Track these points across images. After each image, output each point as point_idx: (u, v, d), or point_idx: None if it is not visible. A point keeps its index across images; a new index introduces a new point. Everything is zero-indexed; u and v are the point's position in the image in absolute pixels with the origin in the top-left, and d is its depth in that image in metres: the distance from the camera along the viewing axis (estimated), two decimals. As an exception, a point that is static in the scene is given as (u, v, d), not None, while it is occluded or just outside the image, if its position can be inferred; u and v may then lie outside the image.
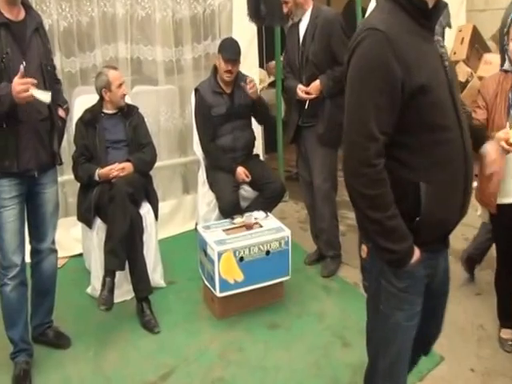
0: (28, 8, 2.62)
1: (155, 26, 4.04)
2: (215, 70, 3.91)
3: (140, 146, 3.57)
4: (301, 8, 3.47)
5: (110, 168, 3.35)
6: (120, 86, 3.44)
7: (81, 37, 3.79)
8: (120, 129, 3.52)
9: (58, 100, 2.78)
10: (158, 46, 4.08)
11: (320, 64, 3.45)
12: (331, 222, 3.71)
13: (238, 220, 3.42)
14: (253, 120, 4.00)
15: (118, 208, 3.14)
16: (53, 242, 2.85)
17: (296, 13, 3.48)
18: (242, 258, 3.12)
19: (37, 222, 2.76)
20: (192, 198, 4.52)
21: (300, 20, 3.49)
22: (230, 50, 3.78)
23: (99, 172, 3.34)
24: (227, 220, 3.47)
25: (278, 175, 4.04)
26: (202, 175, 4.10)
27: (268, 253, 3.18)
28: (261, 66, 5.06)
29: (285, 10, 3.48)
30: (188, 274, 3.70)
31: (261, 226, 3.35)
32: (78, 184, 3.47)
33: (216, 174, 3.87)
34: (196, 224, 4.28)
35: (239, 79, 3.90)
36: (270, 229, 3.29)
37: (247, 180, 3.84)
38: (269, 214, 3.53)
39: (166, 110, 4.26)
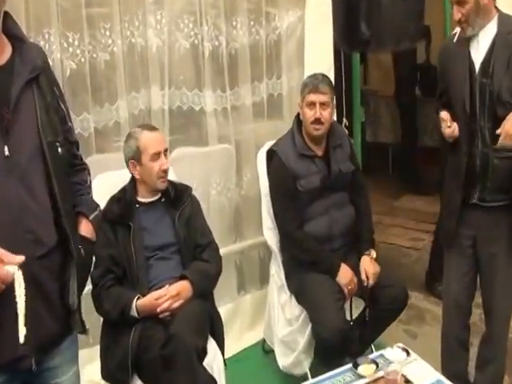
0: (18, 42, 1.38)
1: (203, 60, 2.77)
2: (298, 122, 2.64)
3: (197, 249, 2.28)
4: (482, 16, 2.13)
5: (156, 296, 2.05)
6: (157, 156, 2.19)
7: (96, 82, 2.51)
8: (166, 226, 2.24)
9: (81, 206, 1.51)
10: (208, 89, 2.80)
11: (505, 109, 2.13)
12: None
13: (367, 369, 2.09)
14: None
15: (182, 376, 1.83)
16: None
17: (474, 23, 2.14)
18: None
19: None
20: (251, 297, 3.20)
21: (473, 36, 2.18)
22: (316, 82, 2.55)
23: (139, 303, 2.04)
24: (345, 369, 2.13)
25: (398, 275, 2.71)
26: (276, 274, 2.79)
27: None
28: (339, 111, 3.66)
29: (457, 16, 2.14)
30: None
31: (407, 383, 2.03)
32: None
33: (307, 277, 2.56)
34: (264, 341, 2.97)
35: (336, 133, 2.64)
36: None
37: (354, 288, 2.55)
38: (410, 352, 2.20)
39: (220, 180, 2.97)
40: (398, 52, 4.93)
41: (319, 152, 2.62)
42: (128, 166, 2.27)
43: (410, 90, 5.24)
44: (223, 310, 2.97)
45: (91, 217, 1.55)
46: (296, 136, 2.60)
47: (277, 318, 2.76)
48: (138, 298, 2.05)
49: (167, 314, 2.05)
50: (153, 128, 2.30)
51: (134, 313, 2.03)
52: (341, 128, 2.73)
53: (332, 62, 3.20)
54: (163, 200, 2.31)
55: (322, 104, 2.53)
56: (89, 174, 1.66)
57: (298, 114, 2.66)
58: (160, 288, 2.10)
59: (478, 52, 2.19)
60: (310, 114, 2.54)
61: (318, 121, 2.53)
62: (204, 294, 2.20)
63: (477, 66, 2.19)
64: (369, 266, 2.56)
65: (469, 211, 2.26)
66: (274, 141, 2.89)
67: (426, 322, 3.29)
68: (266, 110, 3.08)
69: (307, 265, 2.57)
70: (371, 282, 2.51)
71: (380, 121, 5.77)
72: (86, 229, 1.53)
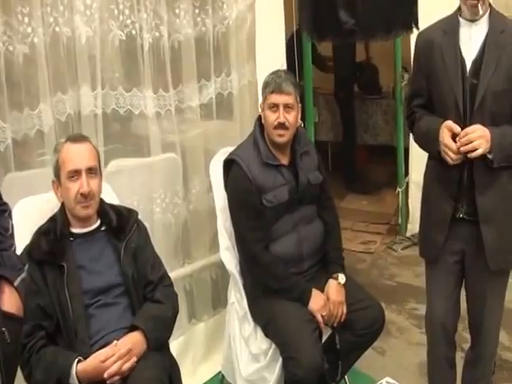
0: None
1: (143, 54, 2.32)
2: (260, 126, 2.27)
3: (148, 288, 1.86)
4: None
5: (101, 357, 1.61)
6: (75, 175, 1.77)
7: (14, 82, 1.99)
8: (109, 262, 1.80)
9: (1, 267, 1.09)
10: (149, 88, 2.35)
11: (499, 114, 1.92)
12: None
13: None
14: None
15: None
16: None
17: (485, 2, 1.89)
18: None
19: None
20: (204, 326, 2.80)
21: (466, 28, 1.94)
22: (279, 80, 2.18)
23: (80, 368, 1.60)
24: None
25: (371, 295, 2.41)
26: (237, 302, 2.41)
27: None
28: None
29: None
30: None
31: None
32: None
33: (275, 305, 2.20)
34: (223, 376, 2.59)
35: (302, 139, 2.30)
36: None
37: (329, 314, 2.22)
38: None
39: (165, 195, 2.53)
40: (338, 49, 4.70)
41: (284, 161, 2.27)
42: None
43: (349, 88, 5.05)
44: (173, 344, 2.55)
45: (16, 282, 1.11)
46: (260, 142, 2.23)
47: (239, 353, 2.38)
48: (78, 361, 1.60)
49: (117, 378, 1.62)
50: (78, 139, 1.84)
51: (74, 381, 1.58)
52: (306, 133, 2.39)
53: (284, 58, 2.87)
54: (103, 229, 1.86)
55: (287, 106, 2.18)
56: (10, 217, 1.21)
57: (260, 117, 2.29)
58: (106, 345, 1.66)
59: (470, 49, 1.94)
60: (272, 118, 2.18)
61: (282, 125, 2.17)
62: (160, 345, 1.78)
63: (468, 65, 1.93)
64: (333, 293, 2.24)
65: (457, 223, 2.03)
66: (228, 148, 2.52)
67: (392, 334, 3.08)
68: (216, 112, 2.68)
69: (275, 291, 2.22)
70: (338, 314, 2.21)
71: (319, 119, 5.52)
72: (9, 301, 1.09)
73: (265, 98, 2.21)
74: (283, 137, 2.19)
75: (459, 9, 1.99)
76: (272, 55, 2.79)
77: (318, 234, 2.33)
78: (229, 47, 2.66)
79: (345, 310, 2.24)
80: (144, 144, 2.42)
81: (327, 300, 2.22)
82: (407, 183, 4.00)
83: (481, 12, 1.90)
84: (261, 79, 2.75)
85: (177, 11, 2.40)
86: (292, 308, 2.19)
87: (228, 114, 2.73)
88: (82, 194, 1.75)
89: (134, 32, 2.25)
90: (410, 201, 3.98)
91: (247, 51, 2.73)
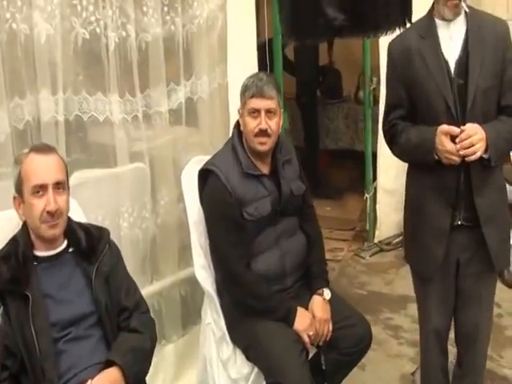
0: None
1: (108, 55, 2.11)
2: (239, 133, 2.12)
3: (122, 315, 1.67)
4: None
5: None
6: (41, 190, 1.56)
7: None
8: (79, 289, 1.60)
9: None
10: (114, 92, 2.15)
11: (490, 112, 1.88)
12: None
13: None
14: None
15: None
16: None
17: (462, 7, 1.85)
18: None
19: None
20: (174, 347, 2.61)
21: (445, 29, 1.88)
22: (260, 83, 2.03)
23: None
24: None
25: (357, 311, 2.29)
26: (214, 323, 2.24)
27: None
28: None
29: None
30: None
31: None
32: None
33: (257, 326, 2.05)
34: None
35: (283, 146, 2.16)
36: None
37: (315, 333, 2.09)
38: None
39: (132, 208, 2.32)
40: (300, 53, 4.60)
41: (265, 170, 2.12)
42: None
43: (311, 92, 4.96)
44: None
45: None
46: (239, 151, 2.08)
47: (217, 378, 2.21)
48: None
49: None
50: (43, 149, 1.62)
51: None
52: (288, 140, 2.25)
53: (256, 61, 2.73)
54: (71, 250, 1.65)
55: (269, 111, 2.03)
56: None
57: (238, 123, 2.13)
58: (79, 385, 1.46)
59: (452, 49, 1.87)
60: (253, 125, 2.03)
61: (263, 132, 2.03)
62: (140, 381, 1.60)
63: (452, 66, 1.87)
64: (319, 310, 2.11)
65: (455, 232, 1.96)
66: (201, 156, 2.36)
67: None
68: (185, 118, 2.50)
69: (257, 312, 2.06)
70: (324, 332, 2.09)
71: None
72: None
73: (244, 103, 2.05)
74: (265, 145, 2.04)
75: (431, 11, 1.92)
76: (244, 57, 2.64)
77: (300, 248, 2.20)
78: (199, 48, 2.48)
79: (330, 328, 2.12)
80: (110, 153, 2.21)
81: (313, 318, 2.10)
82: (375, 188, 3.93)
83: (462, 11, 1.85)
84: (232, 82, 2.62)
85: (144, 9, 2.20)
86: (276, 328, 2.04)
87: (197, 120, 2.56)
88: (48, 212, 1.54)
89: (98, 30, 2.04)
90: (378, 206, 3.92)
91: (218, 53, 2.56)
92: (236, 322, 2.15)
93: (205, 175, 2.10)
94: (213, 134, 2.60)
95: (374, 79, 3.61)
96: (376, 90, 3.64)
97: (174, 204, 2.53)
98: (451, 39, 1.88)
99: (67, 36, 1.98)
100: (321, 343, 2.11)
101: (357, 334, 2.13)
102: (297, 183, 2.19)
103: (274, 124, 2.04)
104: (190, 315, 2.69)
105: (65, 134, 2.04)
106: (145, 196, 2.38)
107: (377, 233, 3.98)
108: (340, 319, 2.14)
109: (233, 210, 2.03)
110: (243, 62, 2.63)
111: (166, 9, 2.30)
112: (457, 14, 1.86)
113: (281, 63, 2.92)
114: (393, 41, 2.08)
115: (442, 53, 1.88)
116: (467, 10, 1.88)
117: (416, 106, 1.96)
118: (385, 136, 2.11)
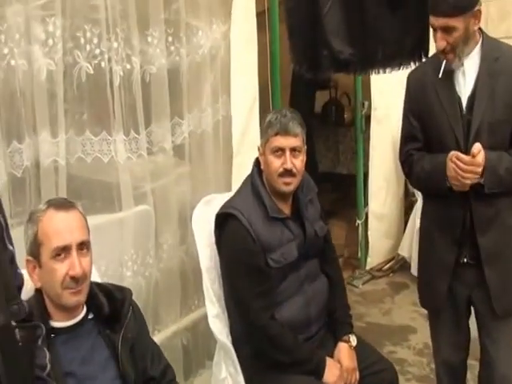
0: None
1: (112, 90, 1.92)
2: (259, 173, 1.96)
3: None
4: (469, 43, 1.78)
5: None
6: (63, 253, 1.38)
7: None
8: (101, 362, 1.40)
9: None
10: (119, 130, 1.95)
11: (497, 146, 1.82)
12: None
13: None
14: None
15: None
16: None
17: (461, 53, 1.78)
18: None
19: None
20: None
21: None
22: (284, 120, 1.89)
23: None
24: None
25: (381, 355, 2.17)
26: (230, 378, 2.05)
27: None
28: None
29: (441, 44, 1.74)
30: None
31: None
32: None
33: (284, 381, 1.88)
34: None
35: (306, 185, 2.02)
36: None
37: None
38: None
39: (136, 255, 2.11)
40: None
41: (287, 211, 1.98)
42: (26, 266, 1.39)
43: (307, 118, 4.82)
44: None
45: None
46: (262, 192, 1.92)
47: None
48: None
49: None
50: (63, 205, 1.42)
51: None
52: (310, 178, 2.11)
53: (257, 91, 2.58)
54: (91, 317, 1.45)
55: (294, 150, 1.90)
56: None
57: (257, 161, 1.98)
58: None
59: (465, 85, 1.84)
60: (277, 164, 1.89)
61: (288, 172, 1.89)
62: None
63: (464, 101, 1.84)
64: (346, 358, 1.98)
65: (461, 269, 1.94)
66: (213, 195, 2.19)
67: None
68: (188, 154, 2.33)
69: (285, 366, 1.90)
70: (351, 382, 1.96)
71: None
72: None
73: (267, 141, 1.91)
74: (290, 185, 1.90)
75: None
76: (246, 88, 2.50)
77: (324, 293, 2.07)
78: (204, 79, 2.32)
79: (358, 377, 1.98)
80: (114, 197, 2.01)
81: (341, 368, 1.96)
82: (366, 214, 3.84)
83: (457, 63, 1.81)
84: (235, 114, 2.47)
85: (149, 39, 2.03)
86: (302, 382, 1.89)
87: (201, 156, 2.38)
88: (72, 277, 1.36)
89: (103, 64, 1.85)
90: (369, 233, 3.83)
91: (221, 84, 2.41)
92: (257, 377, 1.98)
93: (224, 220, 1.93)
94: (217, 170, 2.43)
95: (366, 103, 3.54)
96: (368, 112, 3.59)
97: (176, 247, 2.35)
98: (464, 74, 1.84)
99: (70, 71, 1.78)
100: None
101: (385, 379, 2.01)
102: (319, 223, 2.06)
103: (299, 163, 1.91)
104: (193, 365, 2.51)
105: (66, 178, 1.83)
106: (149, 241, 2.18)
107: (368, 260, 3.89)
108: (367, 366, 2.02)
109: (257, 259, 1.87)
110: (245, 93, 2.50)
111: (170, 39, 2.13)
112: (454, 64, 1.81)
113: (279, 91, 2.78)
114: (411, 72, 2.05)
115: (455, 88, 1.85)
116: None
117: (428, 138, 1.94)
118: (403, 168, 2.08)
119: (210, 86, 2.36)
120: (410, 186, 3.87)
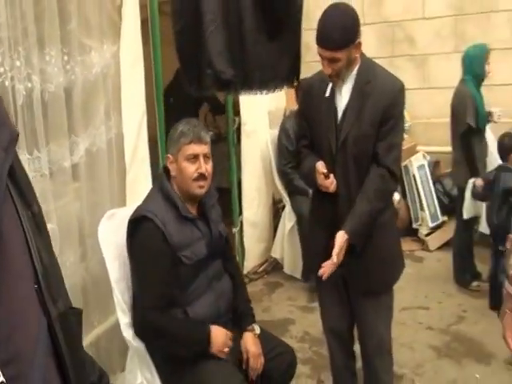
0: None
1: (15, 109, 1.89)
2: (168, 178, 2.11)
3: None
4: (350, 67, 2.06)
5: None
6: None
7: None
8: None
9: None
10: (24, 150, 1.92)
11: (360, 156, 2.11)
12: None
13: None
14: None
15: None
16: None
17: (344, 76, 2.06)
18: None
19: None
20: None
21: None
22: (196, 130, 2.08)
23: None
24: None
25: (280, 339, 2.39)
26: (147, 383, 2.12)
27: None
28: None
29: (327, 71, 2.01)
30: None
31: None
32: None
33: (196, 375, 2.01)
34: None
35: (210, 189, 2.21)
36: None
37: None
38: None
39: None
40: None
41: (194, 212, 2.14)
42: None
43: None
44: None
45: None
46: (173, 196, 2.06)
47: None
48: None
49: None
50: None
51: None
52: (212, 185, 2.28)
53: (145, 108, 2.69)
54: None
55: (205, 156, 2.08)
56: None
57: (166, 169, 2.12)
58: None
59: (341, 100, 2.12)
60: (191, 169, 2.05)
61: (202, 176, 2.06)
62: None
63: (339, 114, 2.11)
64: (251, 345, 2.19)
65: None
66: (115, 209, 2.25)
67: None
68: (85, 172, 2.35)
69: (180, 350, 2.05)
70: (257, 366, 2.16)
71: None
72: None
73: (179, 149, 2.05)
74: (203, 188, 2.08)
75: None
76: (135, 105, 2.59)
77: (229, 289, 2.25)
78: (97, 97, 2.37)
79: (262, 361, 2.19)
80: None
81: (247, 353, 2.15)
82: (241, 222, 4.08)
83: (340, 85, 2.08)
84: (126, 131, 2.55)
85: (47, 58, 2.04)
86: (218, 367, 2.03)
87: (97, 173, 2.42)
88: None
89: (6, 83, 1.83)
90: (245, 240, 4.08)
91: (113, 101, 2.47)
92: (173, 377, 2.08)
93: (137, 223, 2.02)
94: (112, 186, 2.48)
95: (237, 119, 3.78)
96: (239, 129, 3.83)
97: (77, 264, 2.35)
98: (341, 91, 2.10)
99: (-27, 91, 1.74)
100: (254, 378, 2.17)
101: (286, 361, 2.25)
102: (222, 225, 2.25)
103: (210, 167, 2.10)
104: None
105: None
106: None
107: (245, 263, 4.14)
108: (269, 350, 2.22)
109: (172, 257, 2.00)
110: (135, 110, 2.58)
111: (66, 58, 2.16)
112: (342, 80, 2.07)
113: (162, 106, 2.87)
114: (305, 78, 2.32)
115: (335, 102, 2.11)
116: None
117: (312, 139, 2.22)
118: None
119: (103, 104, 2.41)
120: (276, 195, 4.24)
